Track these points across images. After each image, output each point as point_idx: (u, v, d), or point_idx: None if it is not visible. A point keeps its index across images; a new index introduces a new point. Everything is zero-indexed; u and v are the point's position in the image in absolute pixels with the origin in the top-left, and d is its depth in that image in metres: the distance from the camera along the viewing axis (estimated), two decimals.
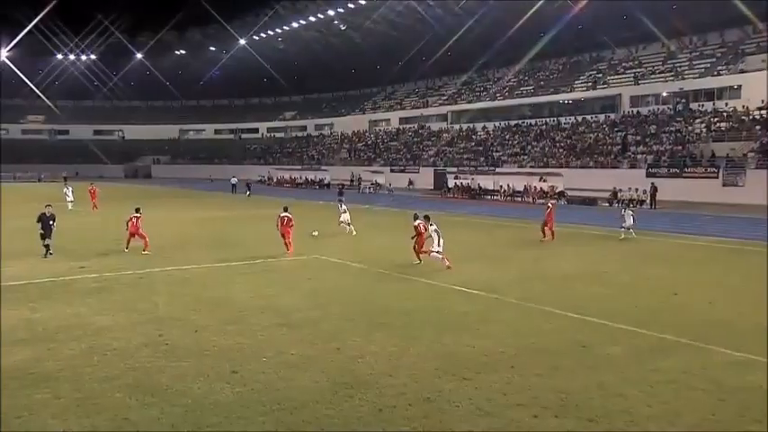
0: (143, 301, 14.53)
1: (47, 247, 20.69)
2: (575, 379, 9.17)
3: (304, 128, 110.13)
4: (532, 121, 69.97)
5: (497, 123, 74.09)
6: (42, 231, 20.71)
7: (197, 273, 18.46)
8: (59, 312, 13.46)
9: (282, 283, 16.94)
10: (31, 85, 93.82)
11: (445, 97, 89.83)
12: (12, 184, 77.10)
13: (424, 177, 71.98)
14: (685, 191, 46.14)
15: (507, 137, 70.07)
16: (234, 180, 69.62)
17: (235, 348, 10.90)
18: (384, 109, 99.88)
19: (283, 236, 21.75)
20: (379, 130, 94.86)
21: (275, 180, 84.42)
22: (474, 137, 75.29)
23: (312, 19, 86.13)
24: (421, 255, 19.58)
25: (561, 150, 60.50)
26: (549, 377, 9.26)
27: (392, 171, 76.29)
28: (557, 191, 49.10)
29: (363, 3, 78.25)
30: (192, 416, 8.06)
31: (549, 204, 26.91)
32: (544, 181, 51.98)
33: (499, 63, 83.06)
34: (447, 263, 18.51)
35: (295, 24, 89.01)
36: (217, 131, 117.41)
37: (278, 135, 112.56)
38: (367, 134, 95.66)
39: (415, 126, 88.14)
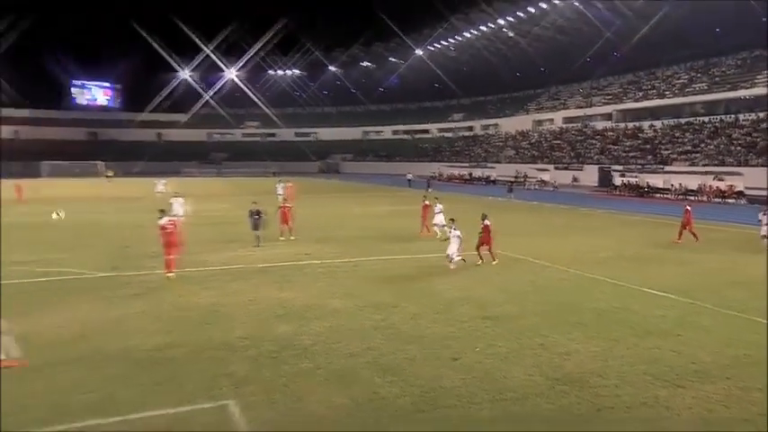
0: (361, 287, 15.26)
1: (258, 237, 21.91)
2: None
3: (471, 128, 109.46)
4: (705, 119, 63.41)
5: (666, 121, 68.35)
6: (253, 224, 22.04)
7: (398, 263, 18.99)
8: (300, 293, 14.54)
9: (474, 276, 16.86)
10: (252, 95, 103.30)
11: (610, 96, 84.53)
12: (238, 179, 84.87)
13: (589, 175, 68.54)
14: None
15: (677, 135, 64.38)
16: (410, 176, 71.15)
17: (449, 337, 11.15)
18: (548, 109, 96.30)
19: (423, 219, 25.18)
20: (543, 129, 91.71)
21: (445, 176, 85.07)
22: (640, 135, 70.10)
23: (483, 28, 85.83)
24: (486, 252, 18.58)
25: (739, 148, 54.16)
26: None
27: (556, 168, 73.51)
28: (735, 190, 44.37)
29: (533, 11, 76.41)
30: (428, 396, 8.40)
31: (687, 207, 24.31)
32: (721, 180, 47.13)
33: (669, 61, 76.76)
34: (452, 267, 17.58)
35: (467, 34, 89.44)
36: (394, 132, 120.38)
37: (447, 135, 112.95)
38: (531, 133, 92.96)
39: (579, 125, 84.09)
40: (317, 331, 11.41)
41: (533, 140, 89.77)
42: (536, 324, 12.02)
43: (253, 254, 20.42)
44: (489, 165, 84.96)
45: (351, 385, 8.79)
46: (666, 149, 62.46)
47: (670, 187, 50.62)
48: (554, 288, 15.41)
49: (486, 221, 18.59)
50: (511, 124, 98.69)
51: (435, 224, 24.01)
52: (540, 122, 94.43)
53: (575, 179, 68.74)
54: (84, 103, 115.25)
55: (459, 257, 17.67)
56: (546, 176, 68.65)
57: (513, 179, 67.90)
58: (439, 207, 24.50)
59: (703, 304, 13.48)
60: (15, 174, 69.01)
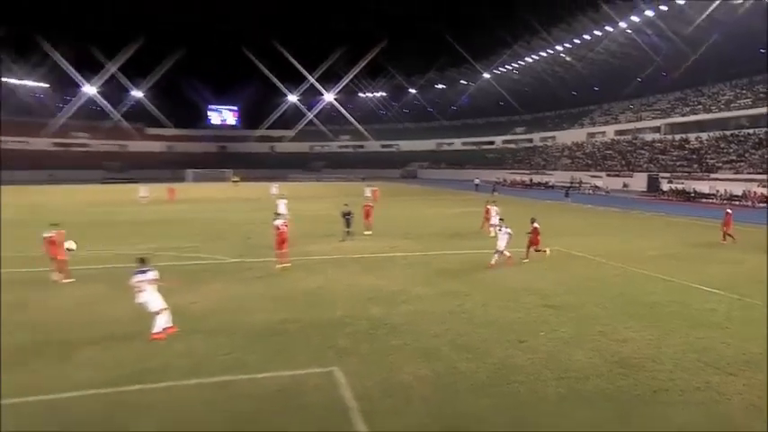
0: (438, 277, 14.90)
1: (347, 233, 21.98)
2: None
3: (531, 140, 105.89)
4: (750, 131, 58.07)
5: (711, 133, 63.34)
6: (345, 222, 22.15)
7: (467, 257, 18.24)
8: (388, 281, 14.42)
9: (535, 269, 16.06)
10: (346, 114, 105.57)
11: (658, 112, 79.23)
12: (334, 183, 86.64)
13: (638, 181, 64.53)
14: None
15: (723, 145, 59.51)
16: (477, 181, 69.73)
17: (516, 322, 10.83)
18: (600, 123, 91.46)
19: (486, 219, 23.89)
20: (596, 141, 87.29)
21: (509, 182, 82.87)
22: (687, 146, 65.28)
23: (543, 54, 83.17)
24: (533, 251, 17.40)
25: None
26: None
27: (608, 176, 69.80)
28: None
29: (588, 38, 73.16)
30: (500, 372, 8.25)
31: (728, 210, 22.27)
32: (765, 186, 43.03)
33: (714, 79, 71.12)
34: (493, 261, 16.32)
35: (528, 59, 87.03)
36: (464, 144, 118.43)
37: (510, 146, 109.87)
38: (585, 144, 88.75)
39: (629, 137, 79.36)
40: (403, 313, 11.39)
41: (587, 151, 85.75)
42: (594, 313, 11.47)
43: (347, 246, 20.41)
44: (548, 172, 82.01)
45: (434, 360, 8.74)
46: (712, 159, 57.89)
47: (715, 193, 46.72)
48: (609, 282, 14.56)
49: (535, 224, 17.65)
50: (567, 136, 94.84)
51: (492, 225, 23.11)
52: (593, 135, 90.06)
53: (625, 185, 65.04)
54: (217, 122, 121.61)
55: (497, 255, 16.57)
56: (599, 182, 65.36)
57: (569, 184, 65.16)
58: (495, 209, 23.70)
59: (751, 300, 12.34)
60: (167, 179, 73.78)
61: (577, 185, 67.05)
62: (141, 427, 6.74)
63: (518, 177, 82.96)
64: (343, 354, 8.97)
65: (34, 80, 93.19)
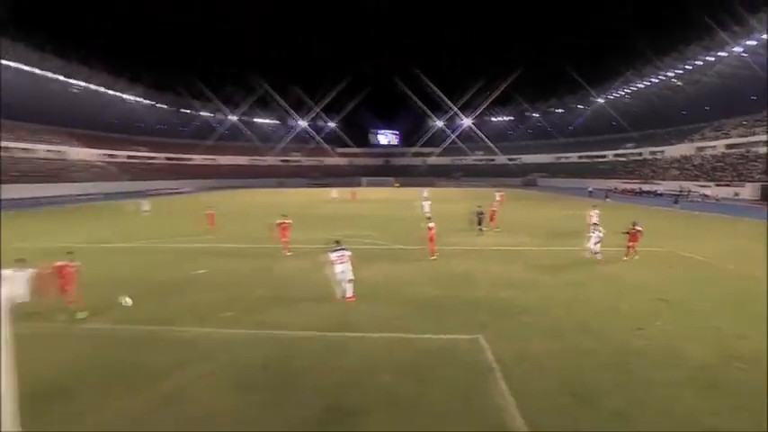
0: (559, 269, 13.60)
1: (479, 229, 21.14)
2: None
3: (640, 154, 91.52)
4: None
5: None
6: (477, 220, 21.40)
7: (582, 253, 16.08)
8: (517, 269, 13.54)
9: (645, 267, 13.83)
10: (480, 133, 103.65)
11: None
12: (469, 189, 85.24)
13: (749, 190, 51.80)
14: None
15: None
16: (590, 188, 62.50)
17: (633, 312, 9.67)
18: (710, 138, 75.18)
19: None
20: (706, 154, 72.03)
21: (620, 190, 72.78)
22: None
23: (654, 80, 71.43)
24: (632, 251, 15.08)
25: None
26: None
27: (717, 185, 57.17)
28: None
29: (700, 63, 60.72)
30: (619, 354, 7.56)
31: None
32: None
33: None
34: (599, 257, 14.82)
35: (640, 85, 75.55)
36: (579, 157, 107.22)
37: (620, 159, 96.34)
38: (693, 157, 73.79)
39: (742, 150, 63.86)
40: (533, 297, 10.81)
41: (696, 163, 71.32)
42: (708, 310, 9.79)
43: (480, 240, 19.57)
44: (656, 181, 70.21)
45: (560, 338, 8.28)
46: None
47: None
48: (721, 283, 12.13)
49: (638, 227, 15.30)
50: (675, 150, 79.94)
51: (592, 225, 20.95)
52: (701, 149, 74.53)
53: (736, 194, 52.74)
54: (384, 143, 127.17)
55: (598, 254, 14.78)
56: (708, 191, 53.98)
57: (678, 192, 55.03)
58: (596, 213, 21.00)
59: None
60: (350, 184, 79.81)
61: (686, 193, 56.33)
62: (342, 363, 7.48)
63: (628, 186, 72.48)
64: (484, 326, 8.90)
65: (270, 119, 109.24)
